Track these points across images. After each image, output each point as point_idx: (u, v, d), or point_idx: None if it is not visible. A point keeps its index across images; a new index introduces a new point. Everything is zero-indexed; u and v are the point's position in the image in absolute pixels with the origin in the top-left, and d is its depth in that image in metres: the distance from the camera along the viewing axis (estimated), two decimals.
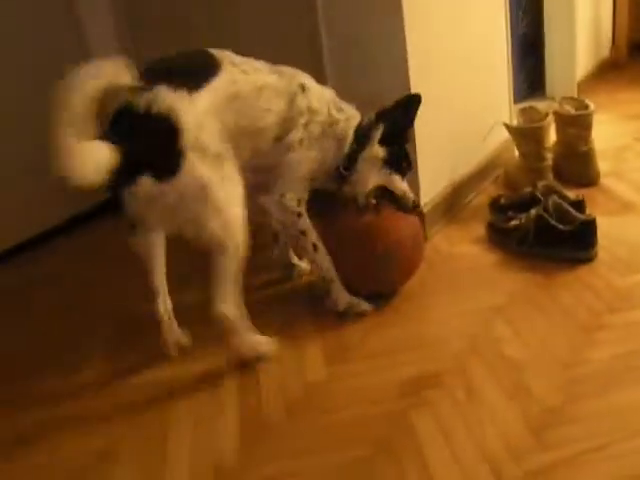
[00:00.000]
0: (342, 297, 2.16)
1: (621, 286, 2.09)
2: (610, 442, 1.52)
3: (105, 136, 1.66)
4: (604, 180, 2.84)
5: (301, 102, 2.05)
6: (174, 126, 1.72)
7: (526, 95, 3.87)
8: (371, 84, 2.41)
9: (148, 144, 1.72)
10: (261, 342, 2.01)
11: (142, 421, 1.86)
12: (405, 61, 2.37)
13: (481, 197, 2.87)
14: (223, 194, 1.82)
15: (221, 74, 1.90)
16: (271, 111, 2.01)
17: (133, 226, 1.94)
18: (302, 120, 2.06)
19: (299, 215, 2.11)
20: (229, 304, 1.89)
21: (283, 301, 2.35)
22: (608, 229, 2.37)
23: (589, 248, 2.24)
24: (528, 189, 2.51)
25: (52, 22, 3.06)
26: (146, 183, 1.72)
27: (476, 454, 1.55)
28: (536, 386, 1.74)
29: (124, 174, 1.65)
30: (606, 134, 3.29)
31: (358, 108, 2.20)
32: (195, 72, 1.88)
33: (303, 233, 2.13)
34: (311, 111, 2.07)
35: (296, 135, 2.06)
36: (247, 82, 1.96)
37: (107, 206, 3.14)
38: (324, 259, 2.15)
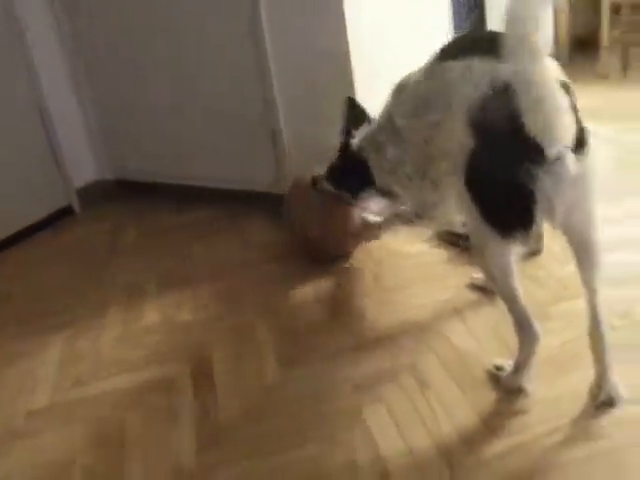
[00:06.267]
0: None
1: (565, 276, 2.14)
2: (559, 426, 1.57)
3: None
4: None
5: None
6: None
7: None
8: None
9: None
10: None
11: (97, 432, 1.85)
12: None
13: None
14: None
15: None
16: None
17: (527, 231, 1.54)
18: None
19: None
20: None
21: (236, 303, 2.36)
22: None
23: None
24: None
25: None
26: (569, 159, 1.46)
27: (430, 445, 1.58)
28: (487, 376, 1.78)
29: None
30: None
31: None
32: None
33: None
34: None
35: None
36: None
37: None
38: None
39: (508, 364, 1.76)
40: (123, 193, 3.54)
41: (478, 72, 1.53)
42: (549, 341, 1.85)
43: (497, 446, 1.55)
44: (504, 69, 1.47)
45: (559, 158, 1.44)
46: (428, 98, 1.70)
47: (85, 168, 3.50)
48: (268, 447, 1.68)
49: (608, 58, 4.19)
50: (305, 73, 2.64)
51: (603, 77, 4.20)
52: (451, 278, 2.25)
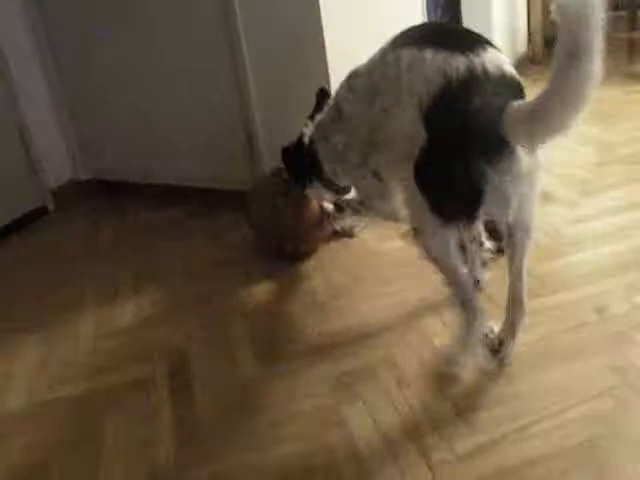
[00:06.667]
0: None
1: (542, 272, 2.15)
2: (535, 421, 1.58)
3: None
4: None
5: None
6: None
7: None
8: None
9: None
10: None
11: (73, 433, 1.83)
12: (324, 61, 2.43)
13: None
14: None
15: None
16: None
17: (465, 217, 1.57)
18: None
19: None
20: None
21: (212, 301, 2.35)
22: None
23: None
24: None
25: None
26: (522, 157, 1.46)
27: (409, 442, 1.58)
28: (464, 372, 1.78)
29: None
30: None
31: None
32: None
33: None
34: None
35: None
36: None
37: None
38: None
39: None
40: (98, 192, 3.51)
41: (432, 63, 1.49)
42: (525, 336, 1.86)
43: (474, 442, 1.55)
44: (461, 61, 1.45)
45: (513, 155, 1.44)
46: (379, 84, 1.69)
47: (60, 168, 3.46)
48: (247, 445, 1.67)
49: None
50: (281, 71, 2.64)
51: None
52: (428, 275, 2.25)
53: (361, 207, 2.15)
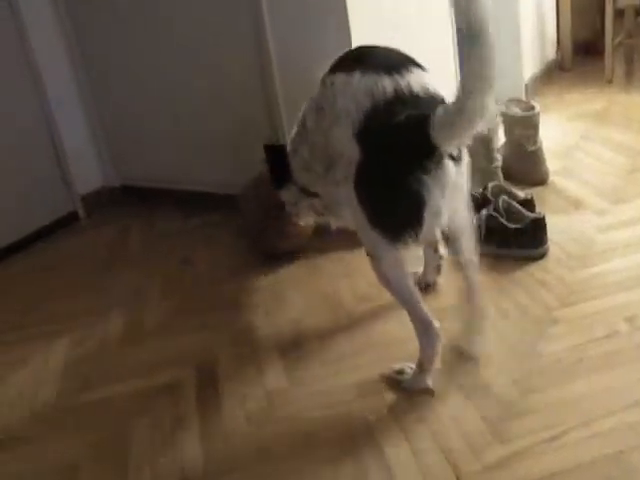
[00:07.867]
0: None
1: (572, 281, 2.14)
2: (565, 431, 1.56)
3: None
4: (553, 178, 2.91)
5: None
6: None
7: None
8: None
9: None
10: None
11: (102, 437, 1.85)
12: None
13: None
14: None
15: None
16: None
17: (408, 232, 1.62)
18: None
19: None
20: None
21: (240, 307, 2.36)
22: (558, 226, 2.42)
23: (540, 245, 2.29)
24: (479, 190, 2.55)
25: None
26: (450, 167, 1.57)
27: (436, 451, 1.58)
28: (492, 382, 1.77)
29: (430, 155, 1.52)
30: (554, 134, 3.37)
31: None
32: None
33: None
34: None
35: None
36: None
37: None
38: None
39: (409, 367, 1.83)
40: (129, 199, 3.54)
41: (360, 85, 1.60)
42: (555, 345, 1.85)
43: (503, 452, 1.54)
44: (387, 83, 1.56)
45: (441, 166, 1.53)
46: (322, 106, 1.78)
47: (91, 174, 3.49)
48: (275, 452, 1.68)
49: (612, 63, 4.18)
50: (310, 79, 2.64)
51: (607, 82, 4.19)
52: (455, 283, 2.24)
53: (325, 210, 2.16)
